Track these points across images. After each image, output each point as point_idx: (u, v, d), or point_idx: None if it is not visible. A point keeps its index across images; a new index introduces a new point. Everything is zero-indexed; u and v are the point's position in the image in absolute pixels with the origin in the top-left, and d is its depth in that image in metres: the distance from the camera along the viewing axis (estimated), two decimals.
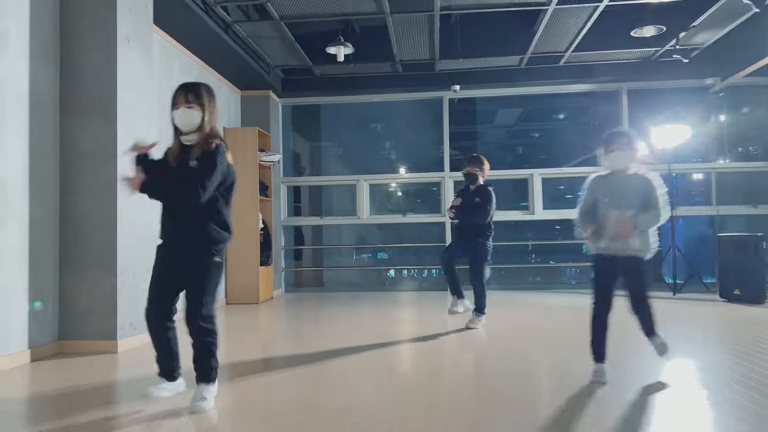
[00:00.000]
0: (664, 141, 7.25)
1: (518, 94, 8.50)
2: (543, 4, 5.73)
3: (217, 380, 2.76)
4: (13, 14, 3.76)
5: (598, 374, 3.09)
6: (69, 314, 4.13)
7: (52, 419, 2.61)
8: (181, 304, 2.78)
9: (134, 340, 4.26)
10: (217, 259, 2.70)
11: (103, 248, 4.15)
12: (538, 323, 5.34)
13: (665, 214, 3.06)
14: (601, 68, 7.77)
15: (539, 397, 2.91)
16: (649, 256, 3.11)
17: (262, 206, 7.50)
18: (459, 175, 5.60)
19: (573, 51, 7.12)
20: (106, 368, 3.64)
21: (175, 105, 2.69)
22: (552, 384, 3.14)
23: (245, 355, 4.02)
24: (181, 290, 2.74)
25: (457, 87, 7.86)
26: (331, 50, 6.42)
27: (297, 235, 9.48)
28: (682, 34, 6.38)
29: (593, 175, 3.27)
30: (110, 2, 4.23)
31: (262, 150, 7.45)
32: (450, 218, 5.06)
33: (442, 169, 8.27)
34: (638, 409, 2.62)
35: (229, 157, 2.75)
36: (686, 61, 7.07)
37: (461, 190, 5.10)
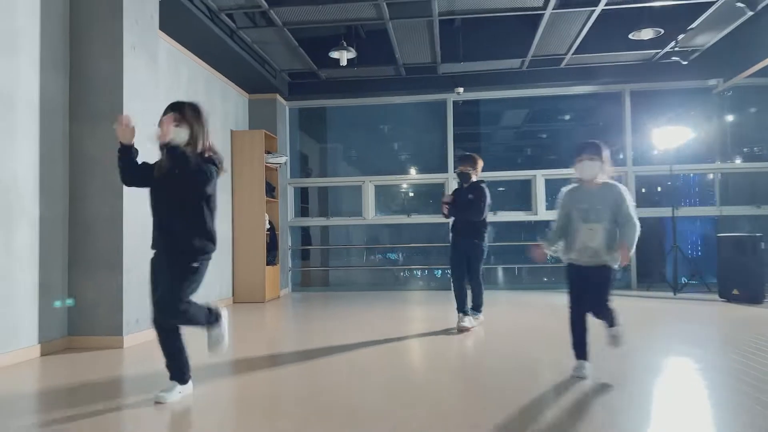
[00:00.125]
0: (667, 142, 7.32)
1: (522, 96, 8.60)
2: (539, 9, 5.83)
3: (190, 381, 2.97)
4: (25, 26, 3.97)
5: (578, 370, 3.23)
6: (77, 311, 4.33)
7: (60, 409, 2.79)
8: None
9: (139, 336, 4.46)
10: (194, 264, 2.82)
11: (110, 248, 4.35)
12: (542, 323, 5.37)
13: (638, 223, 3.16)
14: (602, 70, 7.84)
15: (540, 397, 2.90)
16: (617, 265, 3.21)
17: (268, 207, 7.68)
18: None
19: (573, 53, 7.21)
20: (113, 362, 3.82)
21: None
22: (554, 384, 3.12)
23: (249, 352, 4.17)
24: None
25: (461, 89, 7.99)
26: (334, 55, 6.58)
27: (304, 235, 9.65)
28: (680, 37, 6.44)
29: (565, 189, 3.38)
30: (117, 12, 4.43)
31: (268, 152, 7.63)
32: (443, 214, 5.13)
33: (446, 170, 8.41)
34: (639, 408, 2.65)
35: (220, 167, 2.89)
36: (685, 63, 7.12)
37: (456, 189, 5.21)
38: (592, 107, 9.98)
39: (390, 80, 8.23)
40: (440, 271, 9.43)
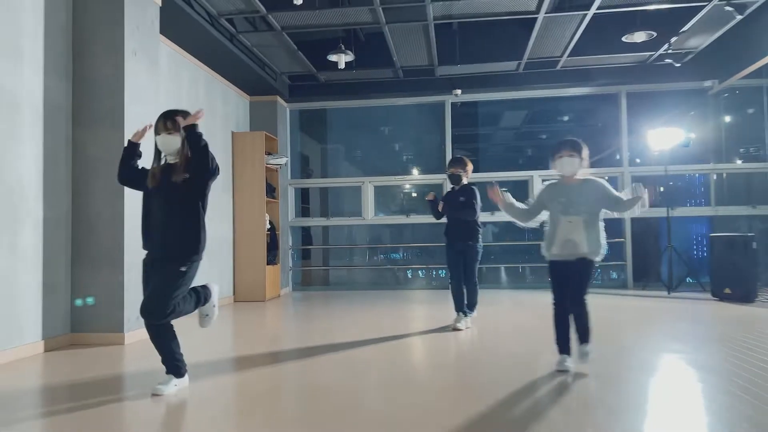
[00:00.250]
0: (662, 143, 7.40)
1: (520, 98, 8.70)
2: (533, 13, 5.94)
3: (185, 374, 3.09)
4: (29, 32, 4.11)
5: (561, 364, 3.33)
6: (80, 308, 4.47)
7: (62, 403, 2.93)
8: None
9: (140, 333, 4.58)
10: (183, 269, 2.93)
11: (112, 247, 4.49)
12: (540, 323, 5.39)
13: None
14: (598, 72, 7.94)
15: (540, 397, 2.89)
16: (598, 258, 3.30)
17: (269, 207, 7.81)
18: None
19: (569, 56, 7.31)
20: (114, 358, 3.96)
21: (156, 131, 2.98)
22: (553, 383, 3.11)
23: (249, 350, 4.29)
24: None
25: (459, 91, 8.09)
26: (332, 58, 6.70)
27: (305, 235, 9.78)
28: (673, 39, 6.53)
29: (546, 183, 3.52)
30: (118, 19, 4.57)
31: (269, 153, 7.76)
32: (433, 214, 5.27)
33: (444, 171, 8.51)
34: (638, 407, 2.70)
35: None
36: (678, 65, 7.20)
37: (448, 192, 5.32)
38: (591, 108, 10.07)
39: (388, 82, 8.35)
40: (444, 271, 9.52)
